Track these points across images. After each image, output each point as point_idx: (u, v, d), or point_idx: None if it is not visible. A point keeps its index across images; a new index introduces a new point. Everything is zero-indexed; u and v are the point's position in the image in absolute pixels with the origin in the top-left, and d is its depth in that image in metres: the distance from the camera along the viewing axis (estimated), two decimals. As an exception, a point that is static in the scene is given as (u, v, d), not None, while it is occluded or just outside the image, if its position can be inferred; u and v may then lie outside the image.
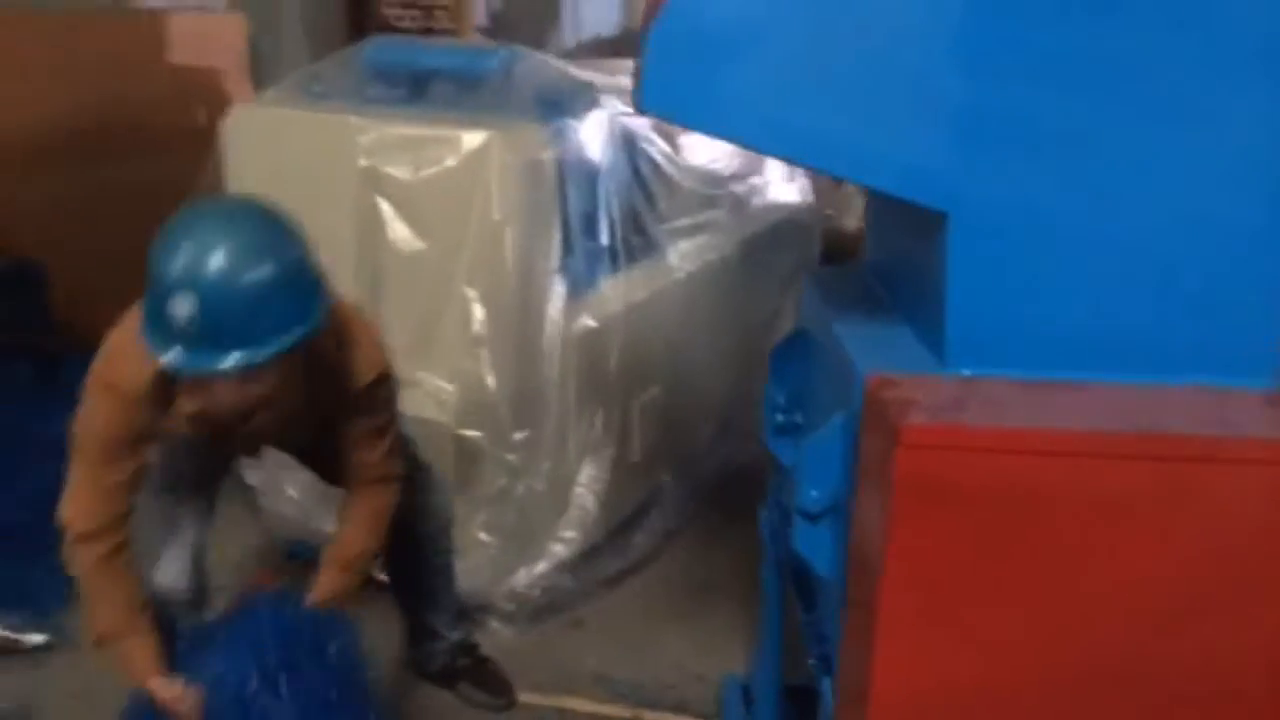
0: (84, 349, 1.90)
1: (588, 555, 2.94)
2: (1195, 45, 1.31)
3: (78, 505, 1.82)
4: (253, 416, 1.86)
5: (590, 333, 2.79)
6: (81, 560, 1.83)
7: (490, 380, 2.56)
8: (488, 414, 2.59)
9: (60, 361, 3.77)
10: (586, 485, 2.87)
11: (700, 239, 3.34)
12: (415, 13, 5.50)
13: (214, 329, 1.58)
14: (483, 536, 2.71)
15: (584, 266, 2.80)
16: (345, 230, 2.60)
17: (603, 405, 2.89)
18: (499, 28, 6.45)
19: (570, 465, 2.81)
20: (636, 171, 3.01)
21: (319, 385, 1.88)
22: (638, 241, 3.03)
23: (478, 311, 2.55)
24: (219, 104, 4.70)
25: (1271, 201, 1.34)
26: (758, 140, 1.40)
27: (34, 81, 4.12)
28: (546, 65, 2.91)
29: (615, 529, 3.07)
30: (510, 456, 2.64)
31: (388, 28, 5.44)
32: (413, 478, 2.22)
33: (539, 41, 5.61)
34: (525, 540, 2.77)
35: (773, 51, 1.32)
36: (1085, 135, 1.36)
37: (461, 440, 2.59)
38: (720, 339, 3.47)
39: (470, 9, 5.20)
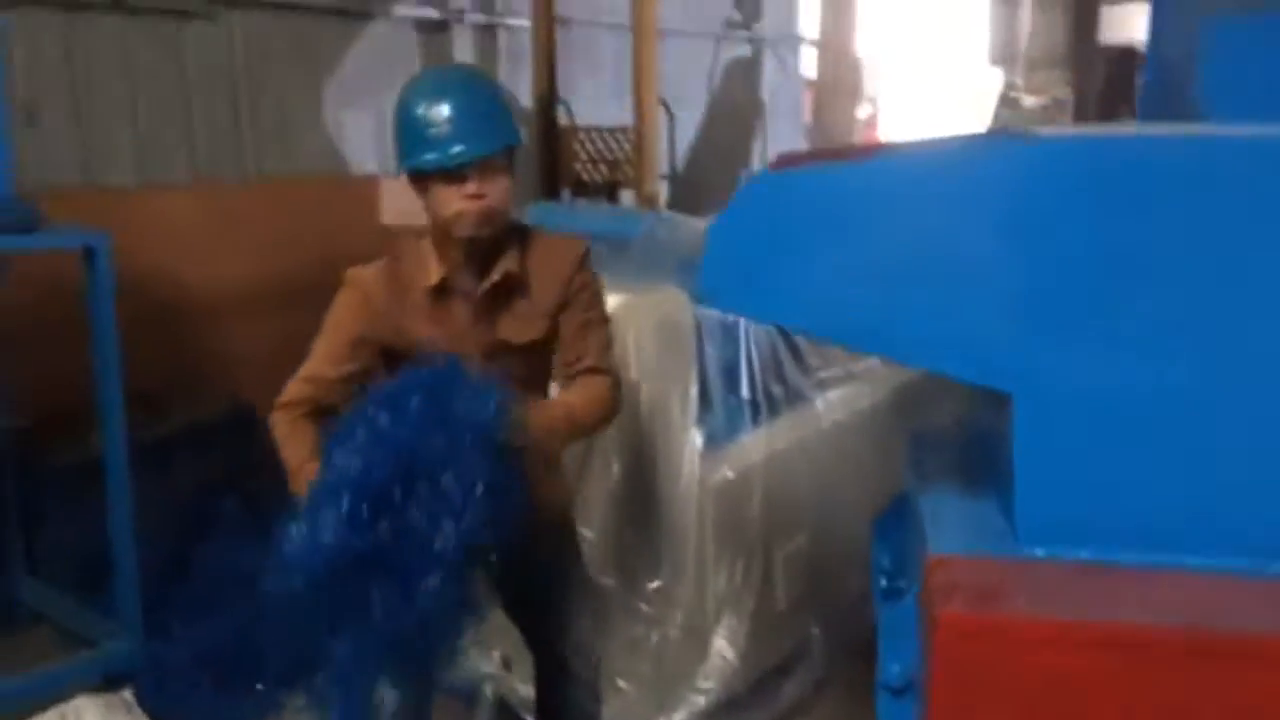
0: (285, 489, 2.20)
1: (729, 706, 2.93)
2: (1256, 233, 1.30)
3: (295, 386, 2.14)
4: (493, 293, 2.07)
5: (728, 483, 2.85)
6: (278, 421, 2.14)
7: (625, 530, 2.65)
8: (622, 563, 2.67)
9: (264, 500, 4.14)
10: (726, 635, 2.88)
11: (850, 387, 3.36)
12: (603, 167, 5.86)
13: (466, 123, 1.93)
14: (620, 684, 2.76)
15: (723, 419, 2.88)
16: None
17: (743, 555, 2.91)
18: (687, 175, 6.76)
19: (708, 615, 2.84)
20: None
21: (538, 262, 2.09)
22: (781, 391, 3.09)
23: (614, 465, 2.66)
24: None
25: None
26: (818, 329, 1.45)
27: (258, 239, 4.65)
28: (691, 226, 3.06)
29: (758, 680, 3.05)
30: (644, 605, 2.70)
31: (578, 182, 5.81)
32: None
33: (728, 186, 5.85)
34: (663, 689, 2.79)
35: (832, 245, 1.39)
36: (1149, 318, 1.35)
37: (596, 588, 2.67)
38: (872, 488, 3.43)
39: (653, 164, 5.48)
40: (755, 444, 2.96)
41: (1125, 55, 16.61)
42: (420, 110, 1.96)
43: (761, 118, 7.72)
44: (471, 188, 1.96)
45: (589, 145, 5.82)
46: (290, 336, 4.59)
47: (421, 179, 2.00)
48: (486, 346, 2.07)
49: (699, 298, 1.43)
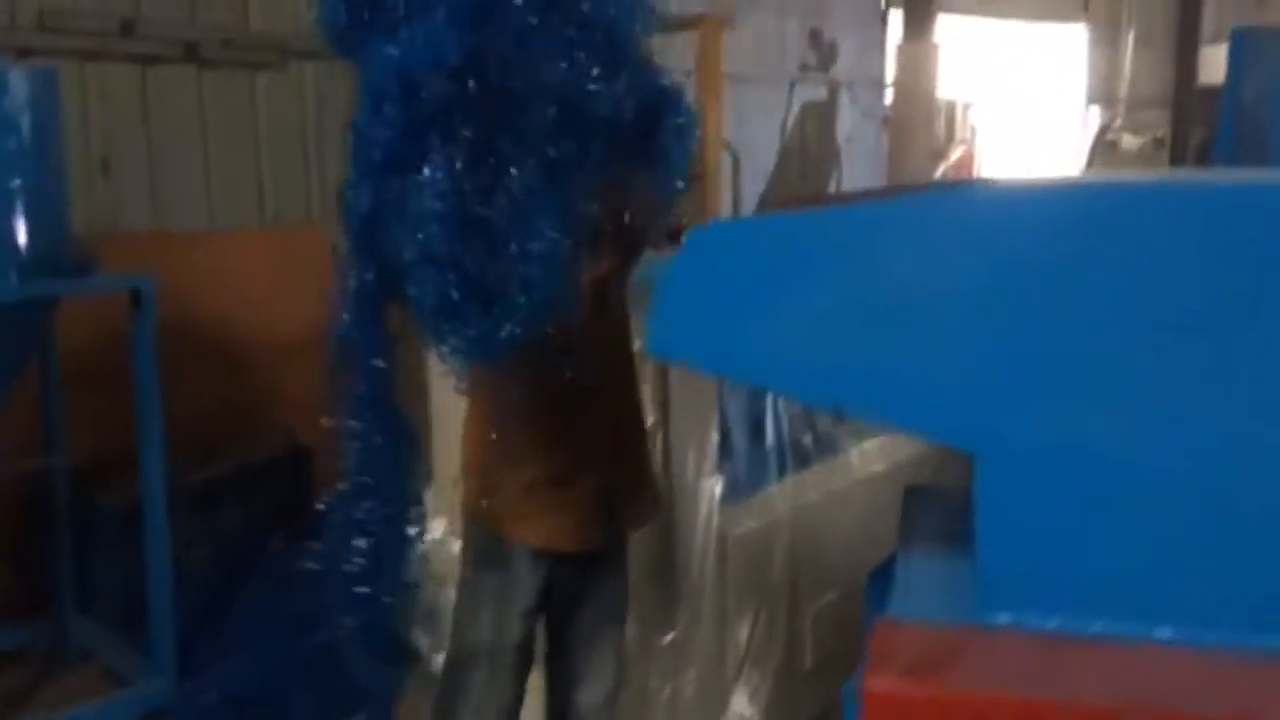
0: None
1: (751, 767, 2.84)
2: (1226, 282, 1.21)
3: None
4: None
5: (750, 534, 2.78)
6: None
7: (641, 579, 2.60)
8: (637, 612, 2.62)
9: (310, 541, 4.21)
10: (747, 693, 2.80)
11: (889, 437, 3.26)
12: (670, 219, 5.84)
13: None
14: (634, 738, 2.69)
15: (746, 468, 2.82)
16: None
17: (766, 610, 2.83)
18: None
19: (727, 671, 2.76)
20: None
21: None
22: (811, 441, 3.01)
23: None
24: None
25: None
26: (773, 383, 1.41)
27: (321, 282, 4.74)
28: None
29: (785, 740, 2.95)
30: (659, 657, 2.64)
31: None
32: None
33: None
34: (678, 746, 2.72)
35: (785, 296, 1.35)
36: (1115, 376, 1.27)
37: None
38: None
39: (714, 211, 5.46)
40: (782, 495, 2.88)
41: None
42: None
43: (836, 161, 7.64)
44: None
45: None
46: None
47: None
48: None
49: (648, 349, 1.39)
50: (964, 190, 1.29)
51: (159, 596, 3.26)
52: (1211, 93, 15.01)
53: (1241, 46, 4.95)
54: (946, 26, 12.75)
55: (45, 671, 3.68)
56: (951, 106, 13.55)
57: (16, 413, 3.42)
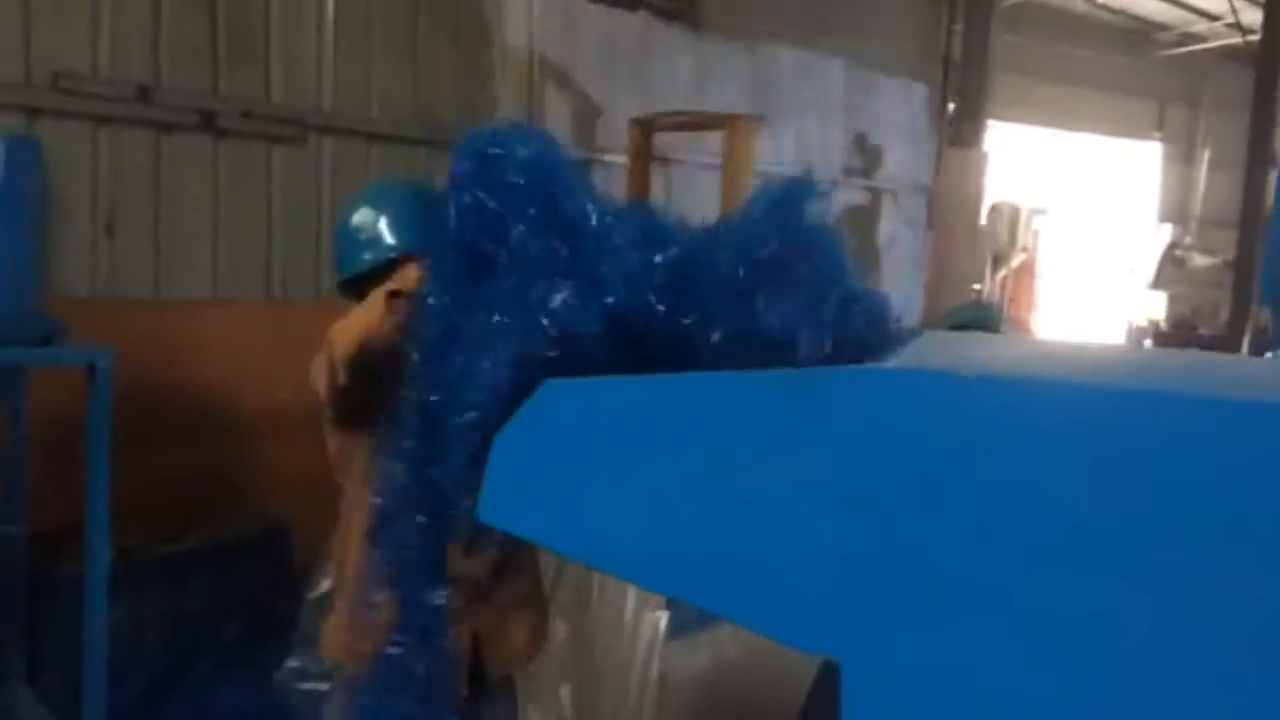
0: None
1: None
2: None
3: None
4: None
5: (697, 678, 2.57)
6: None
7: (567, 722, 2.40)
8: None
9: (280, 626, 4.06)
10: None
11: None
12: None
13: (408, 226, 2.06)
14: None
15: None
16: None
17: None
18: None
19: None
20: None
21: None
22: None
23: (568, 641, 2.43)
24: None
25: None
26: (612, 566, 1.22)
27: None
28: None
29: None
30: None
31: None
32: None
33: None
34: None
35: (633, 472, 1.17)
36: (994, 586, 1.08)
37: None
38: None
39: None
40: (731, 631, 2.67)
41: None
42: (352, 220, 2.15)
43: (875, 267, 7.48)
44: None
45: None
46: (318, 459, 4.62)
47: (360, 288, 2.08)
48: None
49: (478, 514, 1.23)
50: (833, 371, 1.11)
51: (93, 676, 3.13)
52: (1285, 216, 14.68)
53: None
54: (1015, 136, 12.59)
55: (-14, 744, 3.56)
56: (1016, 212, 13.35)
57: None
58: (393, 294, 1.91)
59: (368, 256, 2.11)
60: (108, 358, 3.00)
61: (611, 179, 5.83)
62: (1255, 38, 17.05)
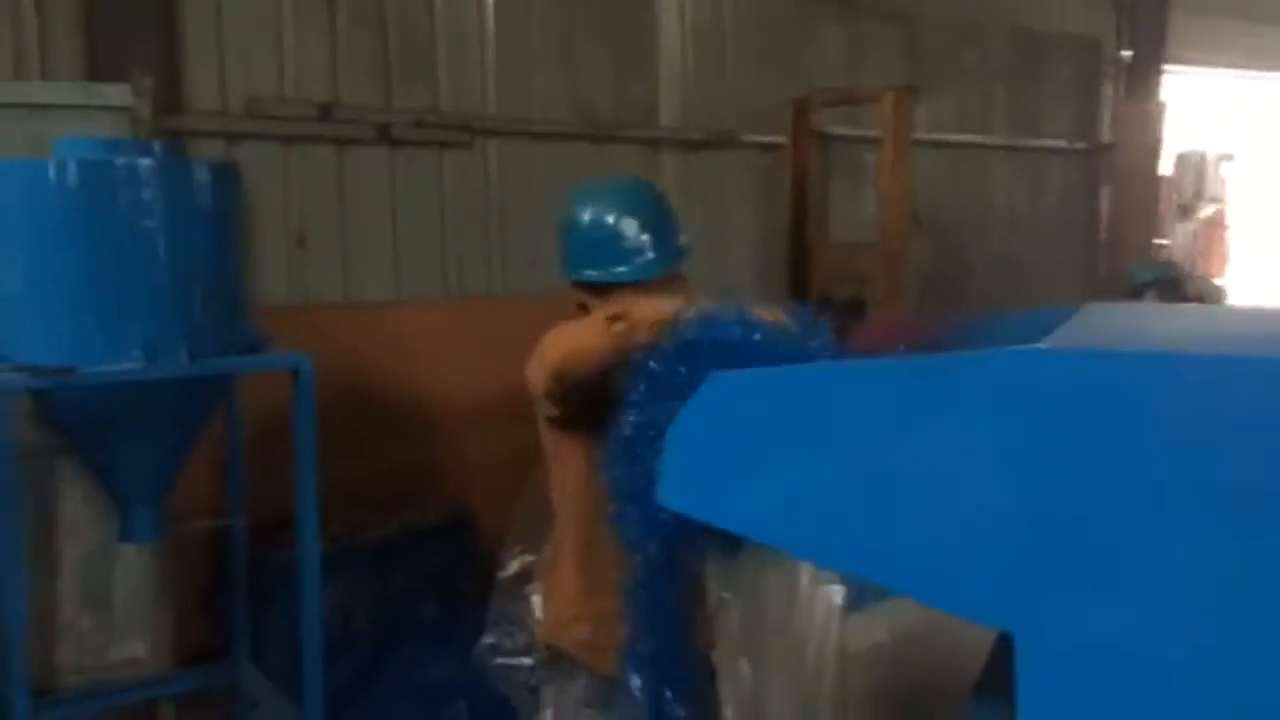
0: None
1: None
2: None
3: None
4: None
5: (878, 650, 2.61)
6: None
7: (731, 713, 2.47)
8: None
9: (472, 604, 4.30)
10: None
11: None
12: (851, 283, 5.70)
13: (657, 235, 2.09)
14: None
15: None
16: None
17: (894, 735, 2.64)
18: (948, 286, 6.44)
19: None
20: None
21: None
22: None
23: (733, 620, 2.51)
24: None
25: None
26: (792, 545, 1.29)
27: (500, 352, 4.88)
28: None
29: None
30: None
31: (824, 299, 5.69)
32: None
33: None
34: None
35: (802, 454, 1.24)
36: (1170, 559, 1.10)
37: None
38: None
39: (899, 281, 5.28)
40: (908, 603, 2.69)
41: None
42: (616, 224, 2.12)
43: (1035, 231, 7.25)
44: (660, 289, 2.08)
45: (839, 261, 5.69)
46: (520, 448, 4.85)
47: (596, 289, 2.13)
48: None
49: (661, 501, 1.32)
50: (999, 352, 1.15)
51: (311, 656, 3.40)
52: None
53: None
54: (1197, 79, 11.90)
55: (222, 715, 3.92)
56: (1202, 161, 12.60)
57: (203, 474, 3.69)
58: (612, 318, 1.96)
59: (622, 269, 2.12)
60: (309, 362, 3.25)
61: (772, 159, 5.86)
62: None
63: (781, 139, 5.67)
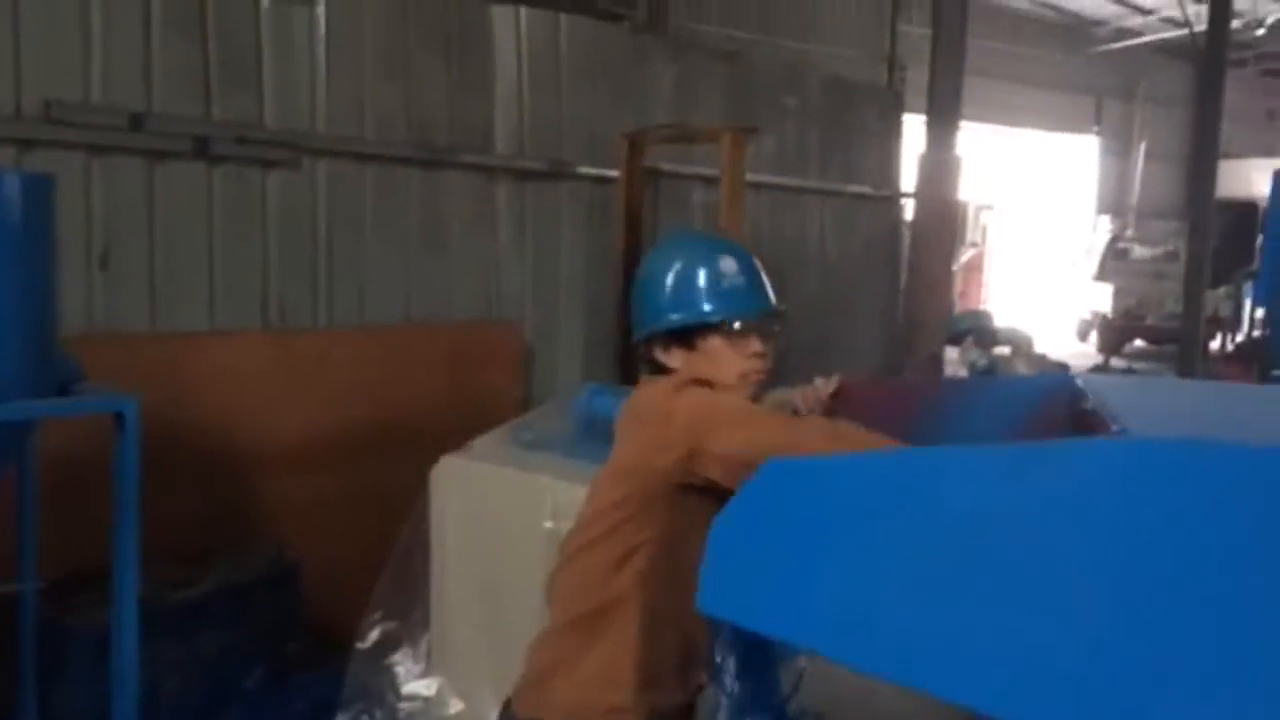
0: (322, 660, 1.96)
1: None
2: None
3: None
4: None
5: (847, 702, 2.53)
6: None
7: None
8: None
9: (299, 663, 3.94)
10: None
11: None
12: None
13: (753, 279, 1.94)
14: None
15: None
16: (533, 590, 2.54)
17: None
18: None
19: None
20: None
21: None
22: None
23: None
24: (493, 410, 5.02)
25: None
26: (840, 654, 1.15)
27: (324, 388, 4.58)
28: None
29: None
30: None
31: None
32: None
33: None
34: None
35: (870, 553, 1.11)
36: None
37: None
38: None
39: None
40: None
41: (1245, 210, 16.13)
42: (711, 264, 1.94)
43: (845, 275, 7.51)
44: (756, 345, 1.92)
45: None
46: (348, 492, 4.50)
47: (686, 336, 1.91)
48: None
49: (701, 606, 1.16)
50: (1104, 441, 1.07)
51: (124, 722, 3.00)
52: (1233, 205, 15.04)
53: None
54: (963, 133, 12.72)
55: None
56: (964, 209, 13.55)
57: (-13, 528, 3.19)
58: (700, 382, 1.83)
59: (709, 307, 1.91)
60: (134, 405, 2.87)
61: (601, 193, 5.77)
62: (1189, 31, 17.49)
63: (614, 172, 5.60)
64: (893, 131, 7.91)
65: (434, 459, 4.56)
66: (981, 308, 7.11)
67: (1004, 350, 6.70)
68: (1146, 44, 18.81)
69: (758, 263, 2.01)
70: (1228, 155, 14.26)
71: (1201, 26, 15.55)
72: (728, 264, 1.92)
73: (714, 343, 1.89)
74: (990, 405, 1.74)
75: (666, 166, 6.00)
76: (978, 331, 5.75)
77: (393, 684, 2.94)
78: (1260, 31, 15.97)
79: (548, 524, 2.55)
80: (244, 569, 4.02)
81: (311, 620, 4.10)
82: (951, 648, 1.09)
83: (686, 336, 1.90)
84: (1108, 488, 1.00)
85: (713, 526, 1.13)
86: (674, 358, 1.91)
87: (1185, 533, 0.98)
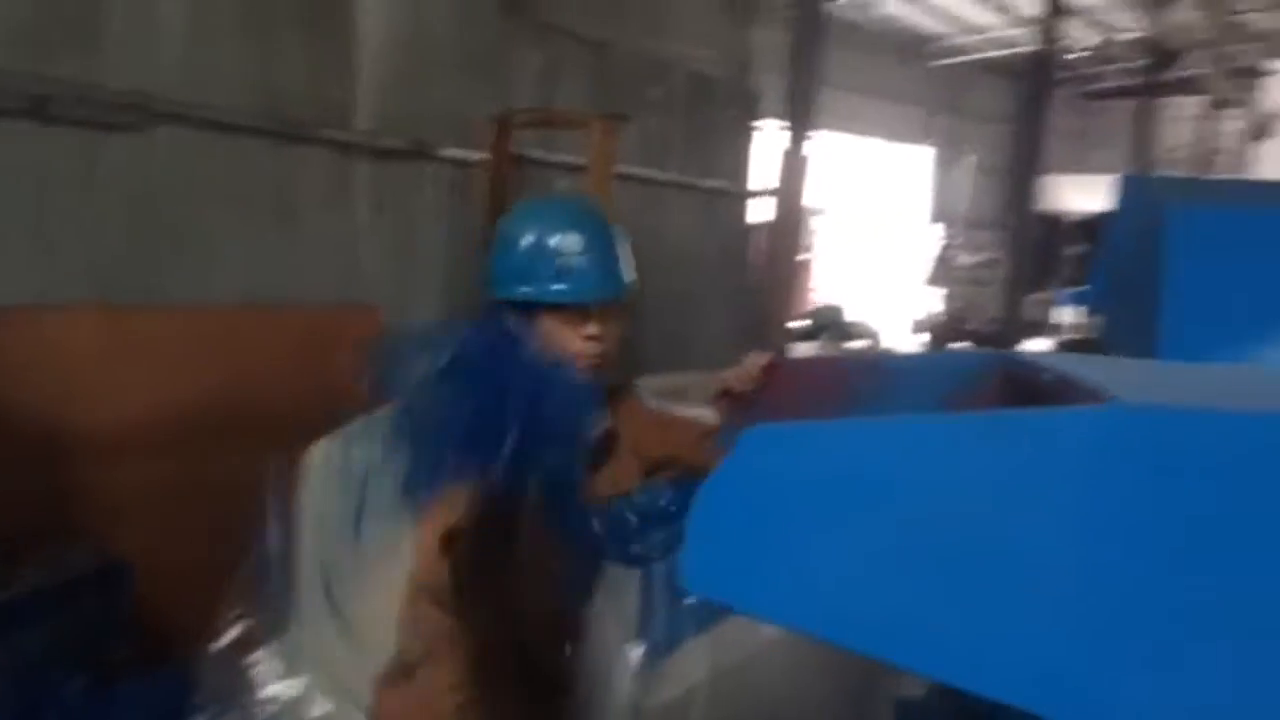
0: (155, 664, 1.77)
1: None
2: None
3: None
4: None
5: (668, 709, 2.47)
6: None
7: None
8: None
9: (124, 677, 3.63)
10: None
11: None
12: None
13: (603, 259, 1.85)
14: None
15: (666, 627, 2.51)
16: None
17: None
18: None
19: None
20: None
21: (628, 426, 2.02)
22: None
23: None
24: (347, 397, 4.78)
25: None
26: (836, 634, 1.08)
27: (160, 370, 4.26)
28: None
29: None
30: None
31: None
32: None
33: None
34: None
35: (866, 524, 1.05)
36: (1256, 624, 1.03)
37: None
38: (824, 693, 3.07)
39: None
40: (701, 654, 2.59)
41: (1053, 222, 17.19)
42: (563, 239, 1.87)
43: (701, 269, 7.56)
44: (593, 329, 1.86)
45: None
46: (186, 484, 4.19)
47: (528, 309, 1.87)
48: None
49: (686, 587, 1.08)
50: (1115, 406, 1.03)
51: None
52: (1042, 219, 15.97)
53: (1126, 192, 5.10)
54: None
55: None
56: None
57: None
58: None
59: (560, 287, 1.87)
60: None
61: (462, 179, 5.60)
62: (1013, 51, 18.45)
63: (477, 155, 5.44)
64: (748, 130, 8.00)
65: (284, 447, 4.32)
66: (835, 303, 7.28)
67: (858, 345, 6.86)
68: (974, 62, 19.75)
69: (617, 238, 1.96)
70: (1044, 171, 15.09)
71: (1025, 48, 16.48)
72: (577, 241, 1.87)
73: (551, 323, 1.86)
74: (923, 380, 1.72)
75: (531, 153, 5.87)
76: (833, 327, 5.86)
77: (251, 686, 2.72)
78: (1076, 55, 16.99)
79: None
80: (63, 565, 3.68)
81: (144, 622, 3.80)
82: (956, 630, 1.04)
83: (528, 309, 1.88)
84: (1120, 455, 0.98)
85: (695, 500, 1.05)
86: (518, 327, 1.89)
87: (1199, 500, 0.96)
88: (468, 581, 1.70)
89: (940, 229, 20.18)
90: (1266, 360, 1.96)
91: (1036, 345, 13.41)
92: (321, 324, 4.89)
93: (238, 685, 2.88)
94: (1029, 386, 1.55)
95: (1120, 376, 1.22)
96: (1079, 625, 1.03)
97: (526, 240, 1.86)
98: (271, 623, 2.90)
